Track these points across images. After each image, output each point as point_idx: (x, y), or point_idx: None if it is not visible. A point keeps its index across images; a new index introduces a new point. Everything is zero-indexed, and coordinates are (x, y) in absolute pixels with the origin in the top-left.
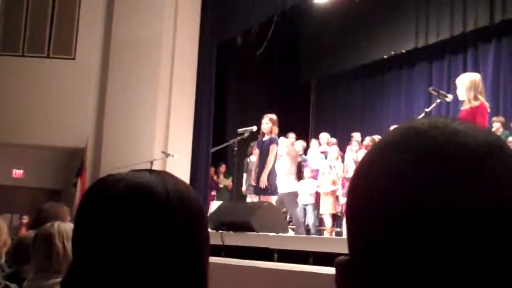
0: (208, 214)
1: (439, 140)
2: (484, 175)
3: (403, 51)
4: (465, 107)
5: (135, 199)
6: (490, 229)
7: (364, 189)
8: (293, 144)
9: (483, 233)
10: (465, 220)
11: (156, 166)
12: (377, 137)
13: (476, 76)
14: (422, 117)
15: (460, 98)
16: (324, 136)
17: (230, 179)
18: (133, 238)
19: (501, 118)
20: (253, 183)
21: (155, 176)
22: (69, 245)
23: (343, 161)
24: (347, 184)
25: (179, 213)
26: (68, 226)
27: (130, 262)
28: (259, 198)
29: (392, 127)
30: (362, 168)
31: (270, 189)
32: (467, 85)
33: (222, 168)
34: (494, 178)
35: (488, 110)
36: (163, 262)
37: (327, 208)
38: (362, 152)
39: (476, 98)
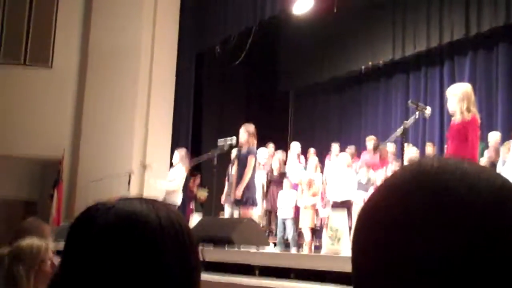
0: None
1: (449, 185)
2: (498, 220)
3: (380, 62)
4: (456, 120)
5: (128, 229)
6: (503, 278)
7: (369, 229)
8: (272, 155)
9: (493, 282)
10: (477, 268)
11: (134, 178)
12: (352, 148)
13: (468, 87)
14: (431, 158)
15: (451, 109)
16: (296, 146)
17: (206, 190)
18: (126, 270)
19: None
20: (232, 197)
21: (146, 205)
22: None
23: (322, 172)
24: (326, 196)
25: (171, 242)
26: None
27: None
28: (239, 211)
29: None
30: (369, 207)
31: (249, 202)
32: (460, 96)
33: (197, 179)
34: (508, 223)
35: (479, 121)
36: None
37: (306, 222)
38: (341, 163)
39: (468, 110)
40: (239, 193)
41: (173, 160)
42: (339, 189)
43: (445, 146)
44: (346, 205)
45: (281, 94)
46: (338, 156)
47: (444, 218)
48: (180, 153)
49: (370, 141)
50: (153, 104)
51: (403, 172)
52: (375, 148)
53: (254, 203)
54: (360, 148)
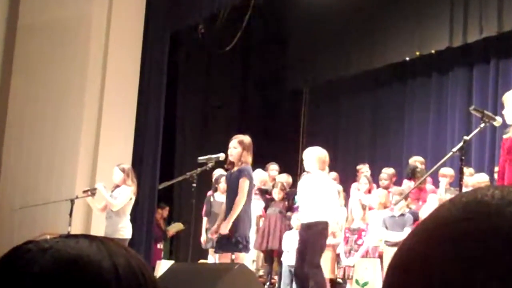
0: None
1: None
2: None
3: (432, 51)
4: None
5: (71, 280)
6: None
7: (417, 268)
8: (273, 179)
9: None
10: None
11: (79, 207)
12: (390, 171)
13: None
14: (489, 187)
15: (509, 121)
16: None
17: (177, 226)
18: None
19: None
20: (211, 234)
21: (98, 246)
22: None
23: (346, 204)
24: (352, 238)
25: None
26: None
27: None
28: (231, 257)
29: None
30: (416, 240)
31: (242, 243)
32: None
33: (165, 211)
34: None
35: None
36: None
37: (324, 272)
38: (375, 196)
39: None
40: (225, 229)
41: (114, 179)
42: (370, 229)
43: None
44: (376, 252)
45: (290, 94)
46: (365, 184)
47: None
48: (122, 170)
49: (415, 163)
50: (108, 104)
51: (456, 202)
52: (413, 173)
53: (246, 244)
54: (402, 171)
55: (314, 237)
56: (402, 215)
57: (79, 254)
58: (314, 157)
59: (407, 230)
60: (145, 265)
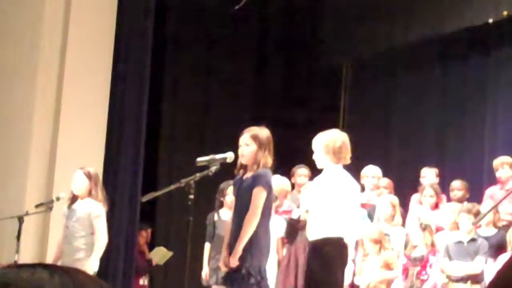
0: None
1: None
2: None
3: None
4: None
5: None
6: None
7: None
8: (301, 187)
9: None
10: None
11: (29, 227)
12: (458, 184)
13: None
14: None
15: None
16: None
17: (161, 252)
18: None
19: None
20: (222, 266)
21: (61, 279)
22: None
23: (404, 223)
24: (413, 270)
25: None
26: None
27: None
28: None
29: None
30: None
31: (255, 277)
32: None
33: (147, 234)
34: None
35: None
36: None
37: None
38: (445, 211)
39: None
40: (234, 260)
41: (74, 188)
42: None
43: None
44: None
45: (325, 70)
46: (430, 196)
47: None
48: (87, 175)
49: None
50: (69, 88)
51: None
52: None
53: (261, 280)
54: (482, 177)
55: (326, 262)
56: (473, 240)
57: None
58: (321, 145)
59: (480, 260)
60: None
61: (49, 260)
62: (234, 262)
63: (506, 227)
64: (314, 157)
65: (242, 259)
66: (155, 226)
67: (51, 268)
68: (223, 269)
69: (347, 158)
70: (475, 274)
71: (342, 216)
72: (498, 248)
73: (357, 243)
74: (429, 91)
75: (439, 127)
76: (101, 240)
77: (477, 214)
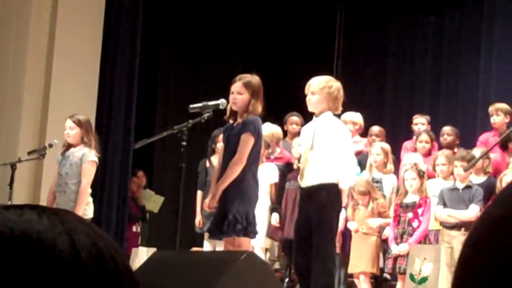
0: None
1: None
2: None
3: None
4: None
5: (12, 266)
6: None
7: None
8: (294, 136)
9: None
10: None
11: (22, 174)
12: (448, 129)
13: None
14: None
15: None
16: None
17: (159, 200)
18: None
19: None
20: (205, 207)
21: (49, 220)
22: None
23: (396, 171)
24: (404, 217)
25: None
26: None
27: None
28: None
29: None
30: (479, 248)
31: (241, 224)
32: None
33: (140, 178)
34: None
35: None
36: None
37: (362, 263)
38: (437, 157)
39: None
40: (212, 201)
41: (66, 137)
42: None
43: None
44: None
45: (317, 13)
46: (425, 142)
47: None
48: (77, 123)
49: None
50: (60, 37)
51: None
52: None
53: (248, 225)
54: (475, 124)
55: (321, 208)
56: (468, 187)
57: (25, 230)
58: (319, 89)
59: (474, 208)
60: (115, 247)
61: None
62: (213, 203)
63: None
64: (308, 100)
65: (229, 205)
66: (152, 174)
67: (39, 209)
68: (207, 210)
69: (340, 109)
70: (469, 221)
71: (337, 162)
72: (488, 194)
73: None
74: (424, 38)
75: (433, 75)
76: (82, 185)
77: (470, 160)
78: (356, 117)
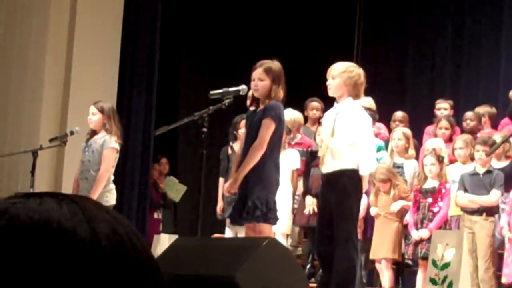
0: None
1: None
2: None
3: None
4: None
5: (32, 254)
6: None
7: None
8: (315, 122)
9: None
10: None
11: (44, 161)
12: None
13: None
14: None
15: None
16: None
17: (183, 187)
18: None
19: None
20: (226, 192)
21: (69, 208)
22: None
23: (417, 157)
24: (425, 203)
25: (120, 276)
26: None
27: None
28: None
29: None
30: None
31: (260, 210)
32: None
33: (163, 165)
34: None
35: None
36: None
37: (384, 250)
38: (458, 142)
39: None
40: (232, 186)
41: (89, 123)
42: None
43: None
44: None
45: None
46: (445, 129)
47: None
48: (100, 109)
49: None
50: (81, 23)
51: None
52: None
53: (268, 212)
54: (497, 108)
55: (341, 194)
56: (489, 172)
57: (46, 219)
58: (342, 75)
59: (495, 193)
60: (136, 234)
61: None
62: (233, 188)
63: None
64: (329, 84)
65: (249, 191)
66: (176, 161)
67: (59, 197)
68: (227, 196)
69: (361, 96)
70: (490, 206)
71: (358, 148)
72: (509, 179)
73: (370, 176)
74: (444, 24)
75: (454, 60)
76: (100, 172)
77: (491, 145)
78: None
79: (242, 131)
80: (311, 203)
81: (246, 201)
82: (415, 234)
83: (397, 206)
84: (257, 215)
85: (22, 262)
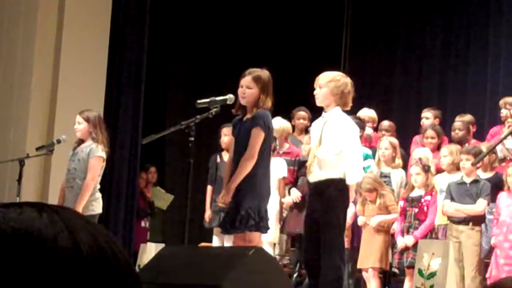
0: (138, 270)
1: None
2: None
3: None
4: None
5: (12, 264)
6: None
7: None
8: (301, 131)
9: None
10: None
11: (30, 170)
12: (467, 118)
13: None
14: None
15: None
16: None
17: (169, 198)
18: None
19: None
20: (219, 203)
21: (50, 218)
22: None
23: (405, 165)
24: (411, 211)
25: (101, 285)
26: None
27: None
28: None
29: None
30: None
31: (253, 219)
32: None
33: (151, 173)
34: None
35: None
36: None
37: (370, 259)
38: (444, 152)
39: None
40: (226, 196)
41: (76, 132)
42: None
43: None
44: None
45: (330, 4)
46: (431, 138)
47: None
48: (86, 119)
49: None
50: (68, 32)
51: None
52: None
53: (260, 221)
54: (484, 119)
55: (328, 203)
56: (476, 181)
57: (26, 228)
58: (330, 84)
59: (481, 203)
60: (116, 244)
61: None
62: (227, 198)
63: (502, 168)
64: (316, 93)
65: (241, 201)
66: (164, 170)
67: (39, 206)
68: (219, 205)
69: (349, 105)
70: (477, 216)
71: (344, 157)
72: (495, 189)
73: (357, 185)
74: (432, 31)
75: (441, 68)
76: (86, 181)
77: (477, 154)
78: (371, 113)
79: (225, 139)
80: (295, 198)
81: (238, 210)
82: (401, 241)
83: (375, 220)
84: (250, 224)
85: (4, 270)
